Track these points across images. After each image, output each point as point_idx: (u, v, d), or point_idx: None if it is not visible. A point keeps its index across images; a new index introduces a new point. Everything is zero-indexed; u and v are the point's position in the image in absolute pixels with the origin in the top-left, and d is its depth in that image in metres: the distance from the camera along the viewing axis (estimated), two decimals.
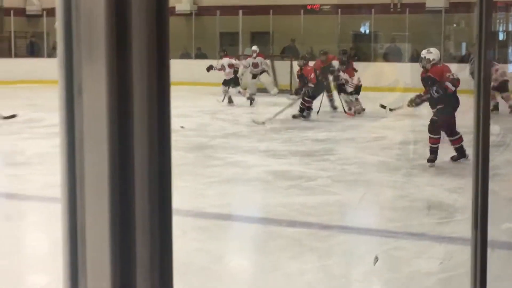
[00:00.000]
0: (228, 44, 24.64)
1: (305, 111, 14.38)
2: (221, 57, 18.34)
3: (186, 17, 26.00)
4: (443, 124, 9.25)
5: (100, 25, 0.83)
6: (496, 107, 14.54)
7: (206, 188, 8.01)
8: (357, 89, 15.10)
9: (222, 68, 17.50)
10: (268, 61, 19.86)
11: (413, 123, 13.01)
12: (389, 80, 20.38)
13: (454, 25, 23.67)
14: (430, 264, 5.46)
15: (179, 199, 7.41)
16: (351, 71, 15.39)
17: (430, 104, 9.57)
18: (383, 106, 13.28)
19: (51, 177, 8.42)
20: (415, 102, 9.81)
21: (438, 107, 9.32)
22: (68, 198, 0.87)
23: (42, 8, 27.89)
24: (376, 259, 5.34)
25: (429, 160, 9.19)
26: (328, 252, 5.77)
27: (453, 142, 9.37)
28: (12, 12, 25.82)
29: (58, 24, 0.86)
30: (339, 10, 23.36)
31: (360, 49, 24.11)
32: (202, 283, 5.05)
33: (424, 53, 9.67)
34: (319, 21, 23.98)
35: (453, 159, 9.40)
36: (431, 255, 5.71)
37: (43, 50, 25.61)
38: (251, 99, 17.04)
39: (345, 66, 15.34)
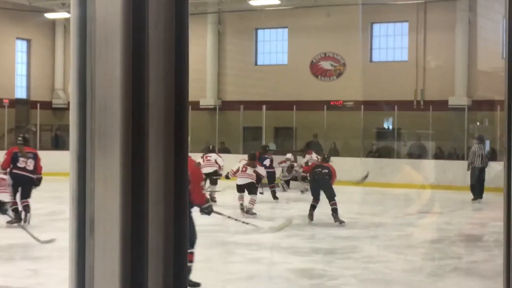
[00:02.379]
0: (251, 139, 24.78)
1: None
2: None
3: (210, 111, 26.27)
4: None
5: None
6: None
7: (226, 285, 7.86)
8: None
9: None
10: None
11: (438, 221, 12.86)
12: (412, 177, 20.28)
13: (478, 123, 23.60)
14: None
15: None
16: None
17: None
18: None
19: None
20: None
21: None
22: None
23: (68, 101, 28.19)
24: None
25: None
26: None
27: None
28: (38, 105, 26.18)
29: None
30: (362, 106, 23.39)
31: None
32: None
33: None
34: (342, 117, 24.06)
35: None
36: None
37: (68, 143, 25.87)
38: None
39: None
